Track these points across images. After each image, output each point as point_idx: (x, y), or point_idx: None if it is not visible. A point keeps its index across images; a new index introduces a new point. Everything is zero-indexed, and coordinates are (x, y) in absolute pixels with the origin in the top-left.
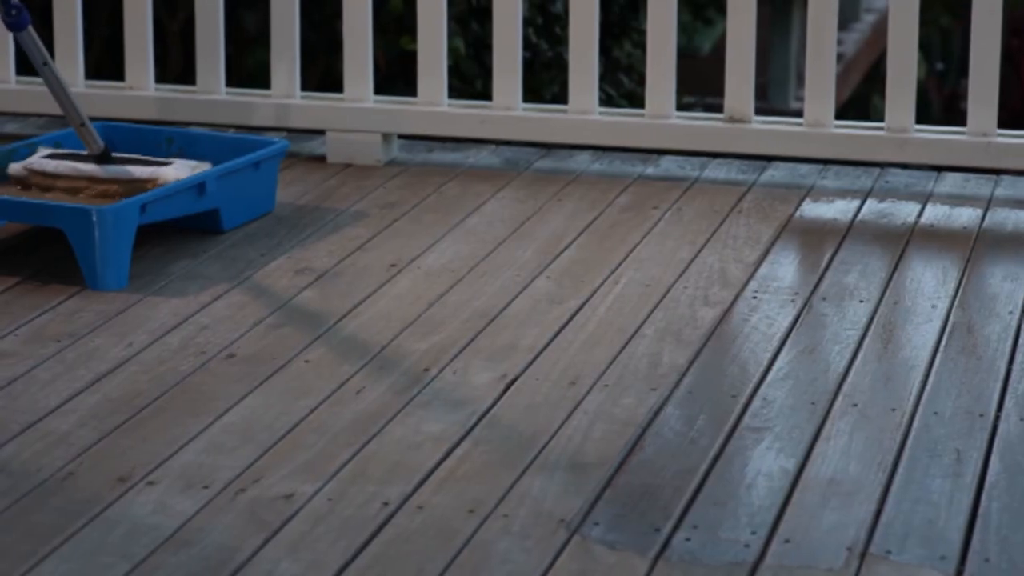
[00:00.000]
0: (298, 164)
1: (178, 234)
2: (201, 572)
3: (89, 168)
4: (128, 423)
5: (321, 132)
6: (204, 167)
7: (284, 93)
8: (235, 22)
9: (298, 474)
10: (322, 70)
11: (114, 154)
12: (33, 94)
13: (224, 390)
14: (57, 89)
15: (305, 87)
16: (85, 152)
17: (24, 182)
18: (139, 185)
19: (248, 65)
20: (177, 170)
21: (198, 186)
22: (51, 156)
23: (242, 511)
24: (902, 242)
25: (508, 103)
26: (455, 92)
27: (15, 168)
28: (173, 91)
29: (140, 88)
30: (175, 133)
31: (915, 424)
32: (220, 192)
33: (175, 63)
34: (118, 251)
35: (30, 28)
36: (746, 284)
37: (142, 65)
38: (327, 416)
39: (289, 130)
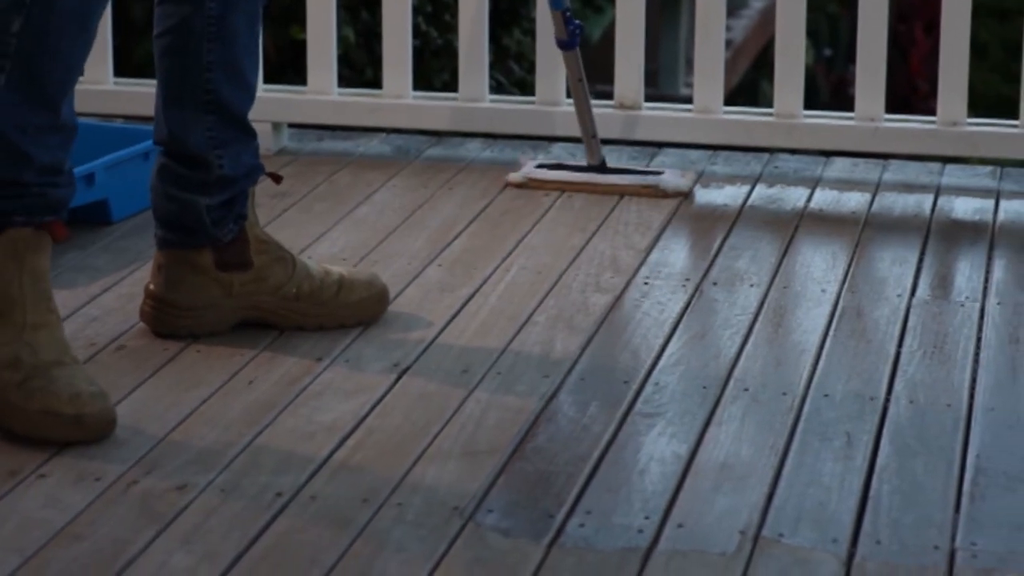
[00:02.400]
0: None
1: (66, 225)
2: (93, 565)
3: (589, 177)
4: None
5: None
6: (691, 174)
7: None
8: (123, 12)
9: (190, 465)
10: None
11: (609, 165)
12: (130, 95)
13: (115, 382)
14: (583, 101)
15: None
16: (575, 163)
17: (525, 186)
18: (639, 192)
19: (137, 55)
20: (671, 176)
21: (86, 177)
22: (542, 166)
23: (134, 503)
24: (792, 227)
25: (398, 91)
26: (345, 81)
27: (515, 177)
28: None
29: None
30: None
31: (806, 408)
32: (109, 183)
33: None
34: None
35: (577, 48)
36: (637, 270)
37: (102, 58)
38: (218, 407)
39: None
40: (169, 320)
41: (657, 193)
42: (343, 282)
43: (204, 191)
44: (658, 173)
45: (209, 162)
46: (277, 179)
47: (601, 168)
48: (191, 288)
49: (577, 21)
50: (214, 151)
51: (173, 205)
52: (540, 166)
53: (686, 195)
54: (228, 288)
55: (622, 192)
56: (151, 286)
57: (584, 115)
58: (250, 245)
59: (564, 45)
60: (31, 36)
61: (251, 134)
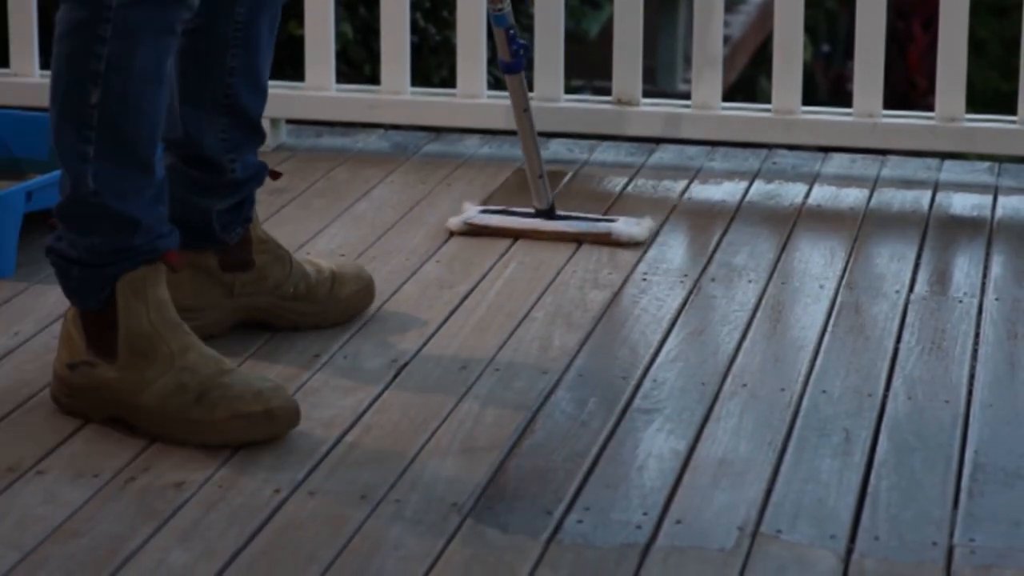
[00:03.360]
0: None
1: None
2: (91, 562)
3: (536, 223)
4: (16, 412)
5: None
6: (648, 223)
7: None
8: None
9: (188, 462)
10: None
11: (559, 212)
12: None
13: None
14: (528, 136)
15: None
16: (520, 209)
17: (466, 234)
18: (592, 239)
19: None
20: (627, 225)
21: None
22: (486, 211)
23: (132, 500)
24: (790, 223)
25: (396, 87)
26: (343, 77)
27: (454, 223)
28: None
29: (25, 75)
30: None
31: (804, 404)
32: None
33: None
34: (4, 239)
35: (522, 72)
36: (635, 266)
37: (27, 52)
38: None
39: None
40: None
41: (609, 242)
42: (335, 277)
43: (215, 195)
44: (611, 221)
45: (222, 166)
46: (276, 175)
47: (549, 213)
48: (195, 289)
49: (522, 41)
50: (227, 155)
51: (181, 208)
52: (485, 211)
53: (640, 244)
54: (230, 289)
55: (571, 240)
56: None
57: (530, 152)
58: (252, 245)
59: (508, 68)
60: (112, 104)
61: (262, 136)
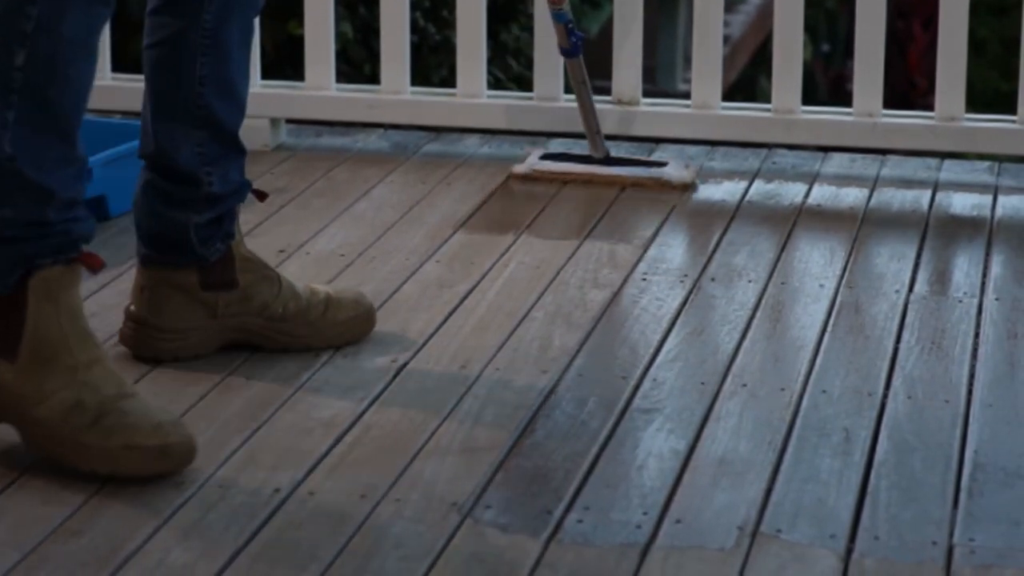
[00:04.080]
0: None
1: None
2: (91, 561)
3: (594, 168)
4: None
5: None
6: (695, 166)
7: None
8: (121, 7)
9: None
10: None
11: (613, 155)
12: (127, 91)
13: None
14: (586, 101)
15: None
16: (579, 154)
17: (530, 178)
18: (643, 183)
19: (134, 51)
20: (675, 168)
21: None
22: (546, 156)
23: (132, 499)
24: (789, 223)
25: (396, 87)
26: (343, 77)
27: (520, 169)
28: None
29: None
30: None
31: (804, 403)
32: (106, 178)
33: None
34: None
35: (580, 56)
36: (635, 266)
37: None
38: (217, 403)
39: None
40: (152, 343)
41: (661, 185)
42: (330, 301)
43: (192, 209)
44: (662, 164)
45: (198, 179)
46: (262, 196)
47: (606, 160)
48: (175, 310)
49: (580, 33)
50: (204, 168)
51: (159, 222)
52: (545, 156)
53: (689, 186)
54: (213, 309)
55: (626, 183)
56: (132, 307)
57: (588, 113)
58: (235, 264)
59: (567, 53)
60: (38, 68)
61: (241, 151)
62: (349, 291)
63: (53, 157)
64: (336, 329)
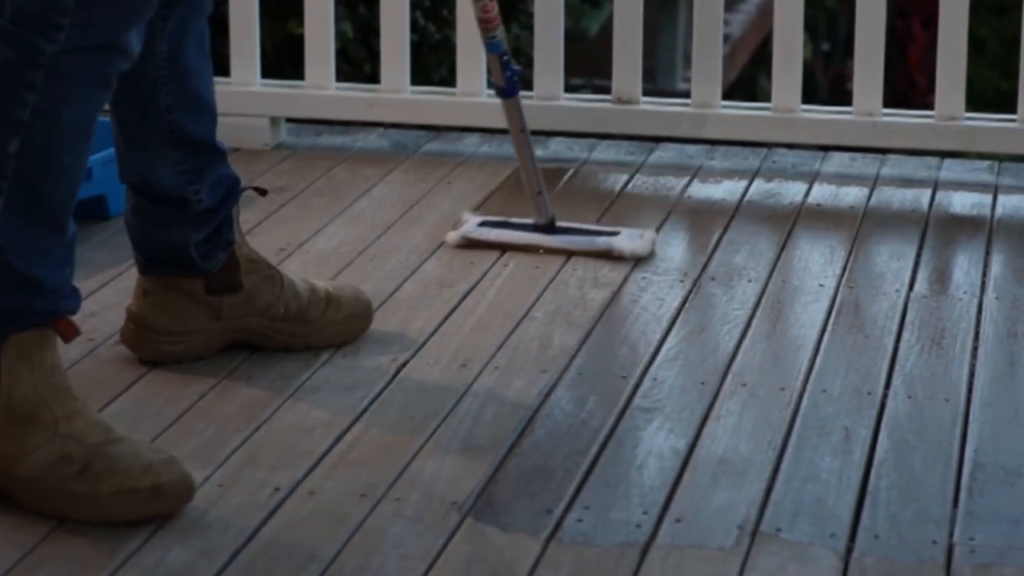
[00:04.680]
0: None
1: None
2: (91, 560)
3: (536, 237)
4: None
5: None
6: (651, 235)
7: None
8: None
9: (188, 461)
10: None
11: (559, 223)
12: None
13: (113, 376)
14: (526, 156)
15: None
16: (520, 221)
17: (464, 247)
18: (593, 254)
19: None
20: (629, 239)
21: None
22: (485, 223)
23: None
24: (789, 222)
25: (396, 86)
26: (343, 76)
27: (452, 237)
28: None
29: None
30: None
31: (804, 403)
32: (107, 178)
33: None
34: None
35: (518, 96)
36: (635, 265)
37: None
38: (217, 402)
39: None
40: (154, 345)
41: (611, 256)
42: (330, 299)
43: (188, 228)
44: (612, 234)
45: (187, 199)
46: (262, 192)
47: (550, 227)
48: (179, 313)
49: (516, 67)
50: (190, 187)
51: (156, 246)
52: (484, 223)
53: (643, 259)
54: (217, 311)
55: (571, 254)
56: (134, 307)
57: (529, 170)
58: (240, 267)
59: (502, 92)
60: (32, 156)
61: (221, 154)
62: (347, 287)
63: (42, 247)
64: (336, 328)
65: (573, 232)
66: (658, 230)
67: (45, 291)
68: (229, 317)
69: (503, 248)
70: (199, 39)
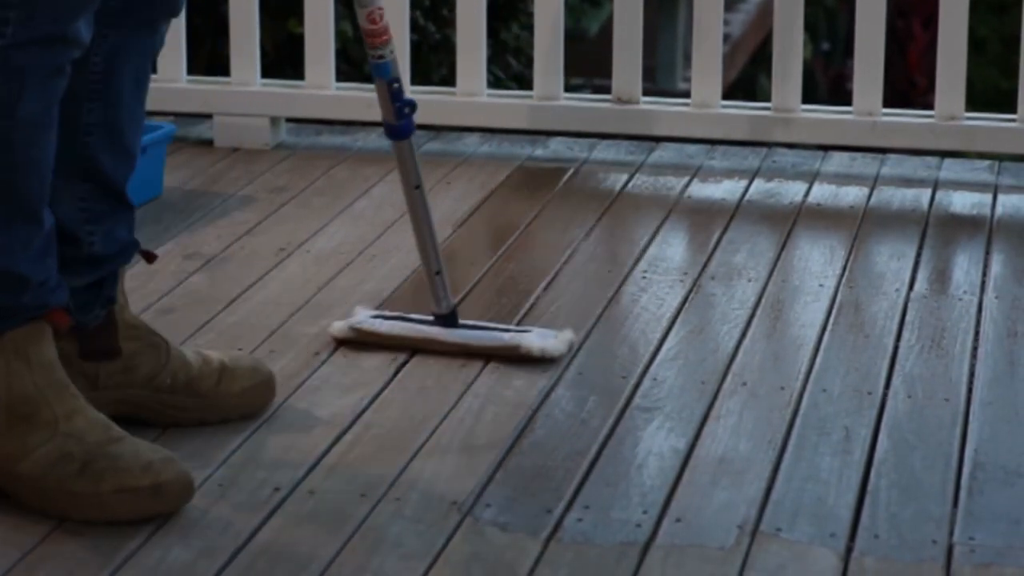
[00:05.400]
0: (185, 148)
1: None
2: (91, 561)
3: (434, 331)
4: None
5: (208, 116)
6: (567, 336)
7: (170, 77)
8: None
9: (188, 460)
10: (209, 54)
11: (461, 320)
12: None
13: None
14: (421, 221)
15: (192, 71)
16: (418, 316)
17: (351, 341)
18: (502, 352)
19: None
20: (539, 336)
21: None
22: (379, 316)
23: None
24: (789, 221)
25: None
26: (343, 75)
27: (338, 328)
28: None
29: None
30: None
31: (804, 402)
32: None
33: None
34: None
35: (411, 138)
36: (635, 265)
37: None
38: None
39: (176, 114)
40: None
41: (518, 356)
42: (224, 370)
43: (70, 271)
44: (524, 331)
45: (79, 238)
46: (150, 258)
47: (450, 320)
48: None
49: (409, 98)
50: (85, 226)
51: None
52: (378, 316)
53: (554, 360)
54: (93, 380)
55: (472, 352)
56: None
57: (424, 242)
58: (118, 330)
59: (393, 132)
60: None
61: (128, 207)
62: (246, 358)
63: (22, 241)
64: (231, 401)
65: (478, 328)
66: (658, 230)
67: (32, 285)
68: (108, 386)
69: (395, 344)
70: (139, 77)
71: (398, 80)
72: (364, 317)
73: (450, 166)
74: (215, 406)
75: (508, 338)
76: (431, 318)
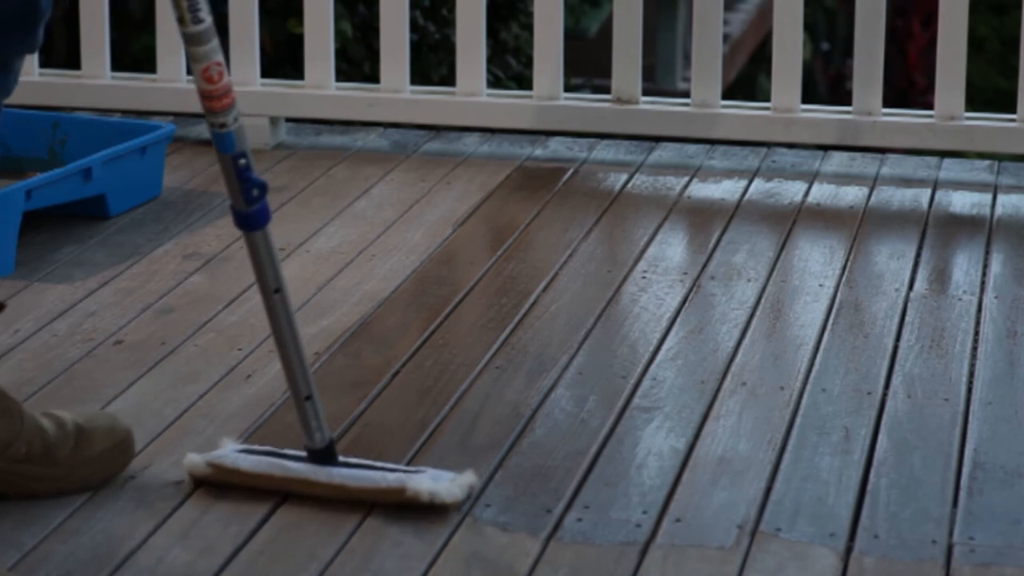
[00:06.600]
0: (185, 148)
1: (64, 220)
2: (91, 560)
3: (309, 470)
4: None
5: None
6: (467, 479)
7: (170, 77)
8: (120, 6)
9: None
10: None
11: (341, 457)
12: (127, 90)
13: (112, 376)
14: (285, 331)
15: (191, 71)
16: (292, 452)
17: (205, 480)
18: (385, 496)
19: (134, 49)
20: (433, 479)
21: (84, 171)
22: (245, 451)
23: (131, 498)
24: (789, 221)
25: (396, 86)
26: (343, 75)
27: (194, 462)
28: (58, 76)
29: (24, 72)
30: (61, 118)
31: (804, 402)
32: (106, 177)
33: (60, 48)
34: (3, 237)
35: (268, 228)
36: (635, 264)
37: (99, 53)
38: (216, 402)
39: (176, 114)
40: None
41: (403, 499)
42: (81, 432)
43: None
44: (414, 472)
45: None
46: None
47: (326, 456)
48: None
49: (259, 178)
50: None
51: None
52: (245, 451)
53: (446, 503)
54: None
55: (351, 497)
56: None
57: (291, 363)
58: None
59: (244, 221)
60: None
61: None
62: (101, 416)
63: None
64: (90, 466)
65: (359, 467)
66: (658, 230)
67: None
68: None
69: (264, 484)
70: None
71: (245, 155)
72: (227, 451)
73: (450, 166)
74: (73, 473)
75: (393, 479)
76: (304, 453)
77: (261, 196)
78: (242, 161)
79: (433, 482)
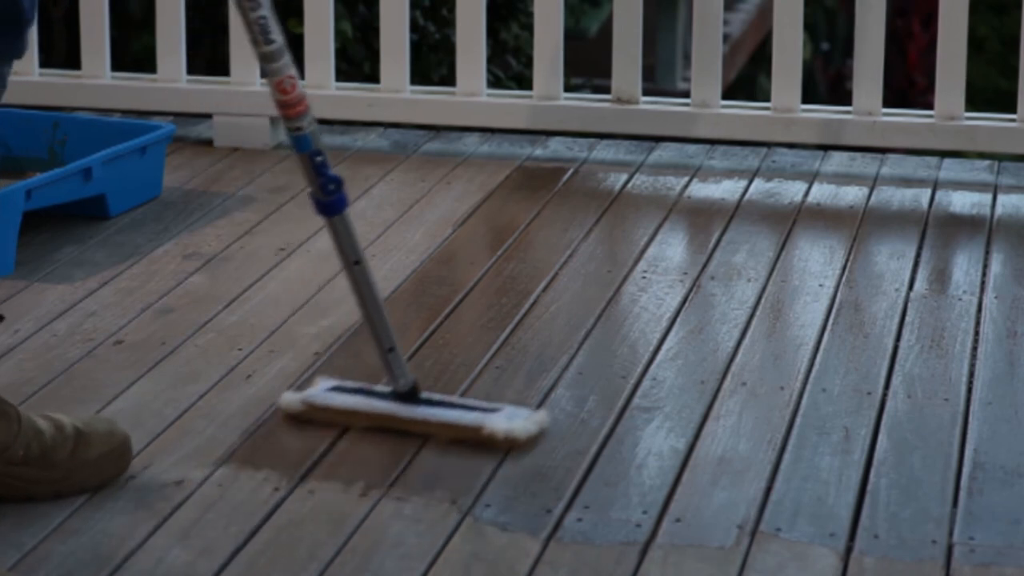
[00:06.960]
0: (185, 148)
1: (64, 220)
2: (91, 560)
3: (393, 407)
4: None
5: (208, 116)
6: (541, 416)
7: (170, 77)
8: (121, 6)
9: (188, 460)
10: (208, 54)
11: (424, 394)
12: (127, 90)
13: (112, 376)
14: (369, 299)
15: (192, 71)
16: (379, 389)
17: (300, 417)
18: (463, 434)
19: (134, 49)
20: (507, 417)
21: (84, 171)
22: (336, 389)
23: (131, 498)
24: (789, 221)
25: (396, 86)
26: (343, 75)
27: (290, 400)
28: (58, 75)
29: (24, 73)
30: (61, 118)
31: (804, 402)
32: (106, 177)
33: (60, 48)
34: (3, 237)
35: (346, 212)
36: (635, 264)
37: (99, 53)
38: (216, 402)
39: (176, 114)
40: None
41: (480, 437)
42: (79, 436)
43: None
44: (492, 410)
45: None
46: None
47: (410, 396)
48: None
49: (335, 174)
50: None
51: None
52: (336, 388)
53: (524, 443)
54: None
55: (433, 433)
56: None
57: (373, 318)
58: None
59: (324, 208)
60: None
61: None
62: (100, 421)
63: None
64: (87, 470)
65: (440, 405)
66: (658, 230)
67: None
68: None
69: (348, 420)
70: None
71: (321, 153)
72: (320, 390)
73: (450, 166)
74: (71, 476)
75: (472, 418)
76: (391, 391)
77: (338, 188)
78: (318, 158)
79: (508, 421)
